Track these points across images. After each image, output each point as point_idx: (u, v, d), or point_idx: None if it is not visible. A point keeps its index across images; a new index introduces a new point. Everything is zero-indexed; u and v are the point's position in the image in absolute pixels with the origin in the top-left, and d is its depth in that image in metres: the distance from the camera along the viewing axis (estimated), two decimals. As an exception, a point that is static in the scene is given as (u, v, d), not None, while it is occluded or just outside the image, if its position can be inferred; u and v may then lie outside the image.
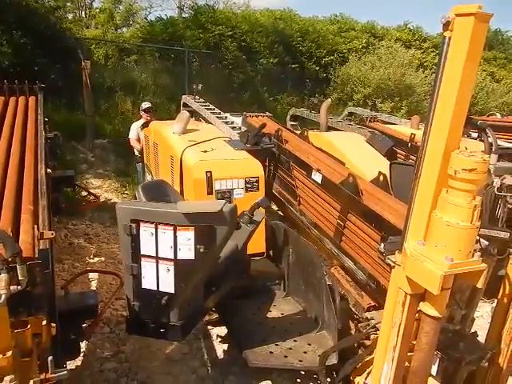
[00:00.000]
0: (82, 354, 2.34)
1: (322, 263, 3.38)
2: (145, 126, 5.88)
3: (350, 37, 17.97)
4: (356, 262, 3.24)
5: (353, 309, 3.04)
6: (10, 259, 1.49)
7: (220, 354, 3.72)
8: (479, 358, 2.36)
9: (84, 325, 2.74)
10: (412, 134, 5.44)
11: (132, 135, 6.61)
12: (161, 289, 2.70)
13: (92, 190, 7.12)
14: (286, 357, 3.21)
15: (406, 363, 2.15)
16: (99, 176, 8.32)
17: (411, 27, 20.42)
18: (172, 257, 2.63)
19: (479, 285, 1.82)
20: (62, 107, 9.40)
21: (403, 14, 61.18)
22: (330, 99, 6.16)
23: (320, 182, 3.76)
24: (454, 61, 1.59)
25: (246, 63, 13.77)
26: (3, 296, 1.40)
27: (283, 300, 3.85)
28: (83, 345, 2.51)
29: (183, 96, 6.13)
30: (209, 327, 3.95)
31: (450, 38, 1.58)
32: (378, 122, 6.66)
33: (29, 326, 1.55)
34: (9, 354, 1.41)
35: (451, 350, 2.31)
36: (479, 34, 1.54)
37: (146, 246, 2.66)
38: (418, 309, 1.95)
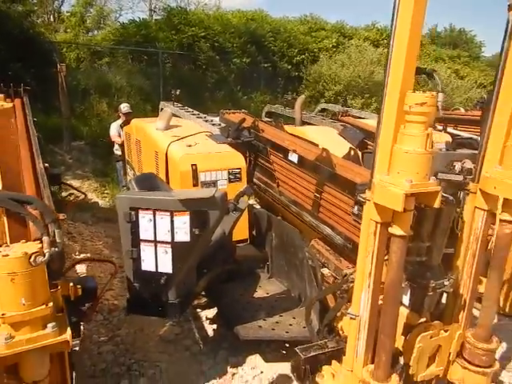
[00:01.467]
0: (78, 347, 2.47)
1: (304, 244, 3.68)
2: (125, 123, 6.07)
3: (320, 36, 18.42)
4: (333, 229, 3.54)
5: (333, 274, 3.31)
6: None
7: (210, 332, 3.96)
8: (444, 284, 2.73)
9: (84, 308, 2.91)
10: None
11: (112, 133, 6.84)
12: (160, 270, 2.95)
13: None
14: (273, 329, 3.55)
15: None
16: (78, 177, 8.43)
17: (379, 27, 20.98)
18: (169, 240, 2.88)
19: (436, 204, 2.25)
20: (37, 110, 9.42)
21: (373, 14, 62.24)
22: (303, 95, 6.43)
23: (296, 162, 4.07)
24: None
25: (219, 63, 14.02)
26: (47, 254, 1.65)
27: (268, 281, 4.19)
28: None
29: (162, 102, 6.31)
30: (198, 310, 4.17)
31: None
32: (349, 116, 6.97)
33: (59, 287, 1.80)
34: (50, 304, 1.65)
35: (419, 279, 2.71)
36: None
37: (145, 231, 2.91)
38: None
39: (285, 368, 3.54)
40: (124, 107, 6.94)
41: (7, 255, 1.57)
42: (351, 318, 2.71)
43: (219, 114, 5.75)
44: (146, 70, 11.70)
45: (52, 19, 15.63)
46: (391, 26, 2.14)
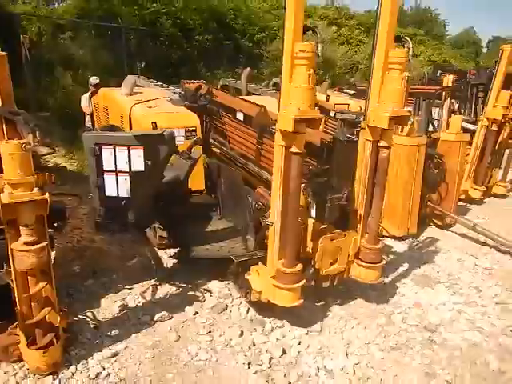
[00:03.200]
0: (53, 260, 3.14)
1: (243, 184, 4.45)
2: (94, 93, 6.68)
3: (280, 15, 18.96)
4: (271, 173, 4.26)
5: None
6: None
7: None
8: (339, 198, 3.61)
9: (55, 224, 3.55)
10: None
11: (83, 104, 7.44)
12: (120, 195, 3.68)
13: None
14: (218, 251, 4.30)
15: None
16: (46, 144, 8.95)
17: (337, 6, 21.73)
18: (127, 169, 3.62)
19: (319, 128, 3.31)
20: (2, 82, 9.78)
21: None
22: (248, 68, 7.08)
23: (242, 120, 4.85)
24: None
25: (182, 40, 14.43)
26: (31, 144, 2.57)
27: (219, 221, 4.81)
28: (53, 254, 3.45)
29: (127, 76, 6.87)
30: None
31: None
32: None
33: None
34: (33, 176, 2.63)
35: (321, 195, 3.66)
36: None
37: (108, 163, 3.64)
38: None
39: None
40: (93, 79, 7.53)
41: (8, 143, 2.51)
42: (269, 225, 3.56)
43: (180, 83, 6.46)
44: (110, 45, 12.01)
45: None
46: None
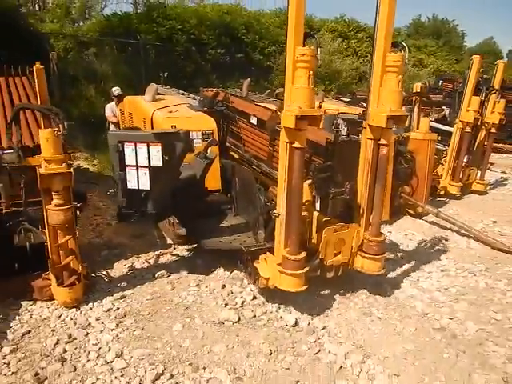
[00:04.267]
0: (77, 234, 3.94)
1: (256, 182, 4.76)
2: (119, 102, 7.10)
3: None
4: None
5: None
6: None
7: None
8: (341, 192, 3.91)
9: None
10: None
11: (107, 113, 7.87)
12: (140, 187, 4.06)
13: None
14: (231, 243, 4.60)
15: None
16: (70, 149, 9.53)
17: (346, 19, 22.25)
18: (147, 164, 4.00)
19: (320, 126, 3.49)
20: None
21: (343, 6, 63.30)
22: (249, 79, 7.42)
23: (256, 124, 5.19)
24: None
25: (196, 54, 15.07)
26: (61, 131, 3.42)
27: (233, 218, 5.10)
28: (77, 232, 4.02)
29: (151, 84, 7.29)
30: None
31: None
32: None
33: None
34: (64, 155, 3.62)
35: (325, 189, 3.96)
36: None
37: (129, 159, 4.02)
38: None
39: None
40: (115, 90, 7.97)
41: (45, 130, 3.54)
42: (275, 217, 3.86)
43: (200, 91, 6.88)
44: (130, 59, 12.72)
45: (37, 8, 16.48)
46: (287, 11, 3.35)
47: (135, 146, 3.98)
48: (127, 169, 4.05)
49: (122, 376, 3.07)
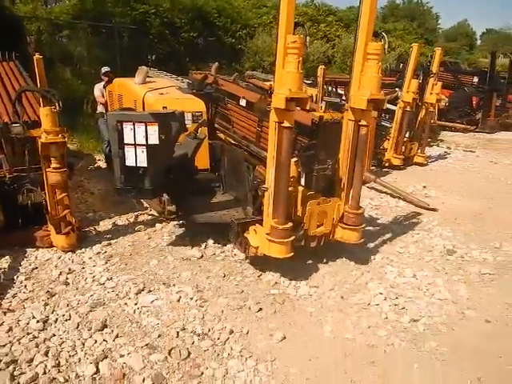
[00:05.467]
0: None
1: (244, 160, 5.07)
2: (108, 83, 7.24)
3: (261, 13, 20.25)
4: None
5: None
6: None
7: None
8: (324, 168, 4.28)
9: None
10: (270, 84, 7.23)
11: (96, 94, 7.91)
12: (138, 164, 4.32)
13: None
14: (221, 217, 4.93)
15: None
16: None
17: (316, 3, 22.63)
18: (145, 143, 4.25)
19: (307, 107, 3.87)
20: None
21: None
22: (217, 63, 7.66)
23: (245, 105, 5.45)
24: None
25: (169, 37, 15.16)
26: (57, 108, 4.04)
27: (222, 195, 5.44)
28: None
29: (139, 67, 7.37)
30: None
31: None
32: (254, 78, 8.63)
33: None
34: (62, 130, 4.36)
35: (309, 165, 4.27)
36: None
37: (128, 137, 4.26)
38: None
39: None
40: (103, 69, 8.01)
41: (45, 108, 4.25)
42: (264, 190, 4.20)
43: (189, 73, 7.06)
44: (104, 42, 12.71)
45: None
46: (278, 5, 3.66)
47: (134, 126, 4.22)
48: (125, 147, 4.28)
49: (112, 291, 4.06)
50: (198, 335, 3.47)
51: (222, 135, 6.13)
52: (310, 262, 4.72)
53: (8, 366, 2.98)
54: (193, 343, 3.38)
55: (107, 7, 13.46)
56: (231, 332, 3.53)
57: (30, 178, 4.60)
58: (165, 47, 14.72)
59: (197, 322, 3.63)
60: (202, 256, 4.77)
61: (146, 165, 4.31)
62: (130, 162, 4.33)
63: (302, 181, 4.51)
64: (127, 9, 13.98)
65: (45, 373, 2.97)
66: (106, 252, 4.79)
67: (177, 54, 15.19)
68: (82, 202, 6.16)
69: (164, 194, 4.98)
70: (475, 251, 5.23)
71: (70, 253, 4.68)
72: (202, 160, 5.39)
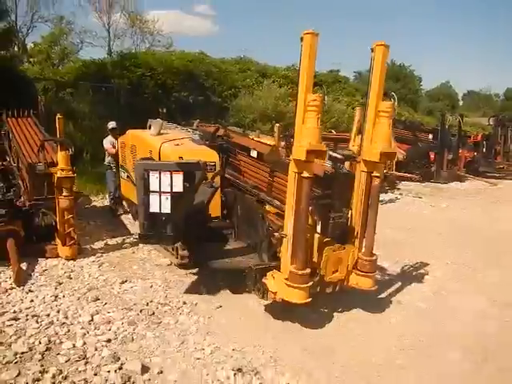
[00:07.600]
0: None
1: (260, 208, 5.20)
2: (115, 136, 7.83)
3: (245, 76, 22.19)
4: (280, 201, 4.94)
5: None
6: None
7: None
8: (340, 216, 4.49)
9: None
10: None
11: (106, 146, 8.19)
12: (162, 211, 4.44)
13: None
14: (237, 264, 4.93)
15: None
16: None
17: (297, 67, 23.97)
18: (169, 190, 4.41)
19: (325, 159, 4.17)
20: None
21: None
22: (198, 120, 8.07)
23: (256, 156, 5.68)
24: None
25: (162, 96, 16.31)
26: (70, 151, 5.57)
27: (234, 242, 5.49)
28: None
29: (149, 120, 7.16)
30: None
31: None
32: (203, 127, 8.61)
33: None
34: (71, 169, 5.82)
35: (325, 213, 4.45)
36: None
37: (153, 185, 4.41)
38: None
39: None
40: (110, 124, 8.29)
41: (61, 152, 5.84)
42: (283, 237, 4.34)
43: (196, 124, 7.49)
44: (104, 99, 13.47)
45: (17, 49, 16.84)
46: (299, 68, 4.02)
47: (159, 174, 4.40)
48: (151, 194, 4.42)
49: (103, 281, 5.36)
50: (161, 304, 4.80)
51: (232, 184, 6.35)
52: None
53: (32, 317, 4.39)
54: (157, 308, 4.71)
55: (107, 70, 14.28)
56: (184, 303, 4.81)
57: (46, 205, 5.99)
58: (158, 105, 15.44)
59: (161, 298, 4.95)
60: (170, 263, 5.91)
61: (169, 211, 4.43)
62: (154, 208, 4.42)
63: (318, 228, 4.71)
64: (125, 72, 14.81)
65: (58, 320, 4.38)
66: (99, 260, 6.08)
67: (169, 110, 15.95)
68: (80, 230, 6.96)
69: (176, 241, 5.11)
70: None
71: (72, 260, 5.94)
72: (215, 208, 5.51)
